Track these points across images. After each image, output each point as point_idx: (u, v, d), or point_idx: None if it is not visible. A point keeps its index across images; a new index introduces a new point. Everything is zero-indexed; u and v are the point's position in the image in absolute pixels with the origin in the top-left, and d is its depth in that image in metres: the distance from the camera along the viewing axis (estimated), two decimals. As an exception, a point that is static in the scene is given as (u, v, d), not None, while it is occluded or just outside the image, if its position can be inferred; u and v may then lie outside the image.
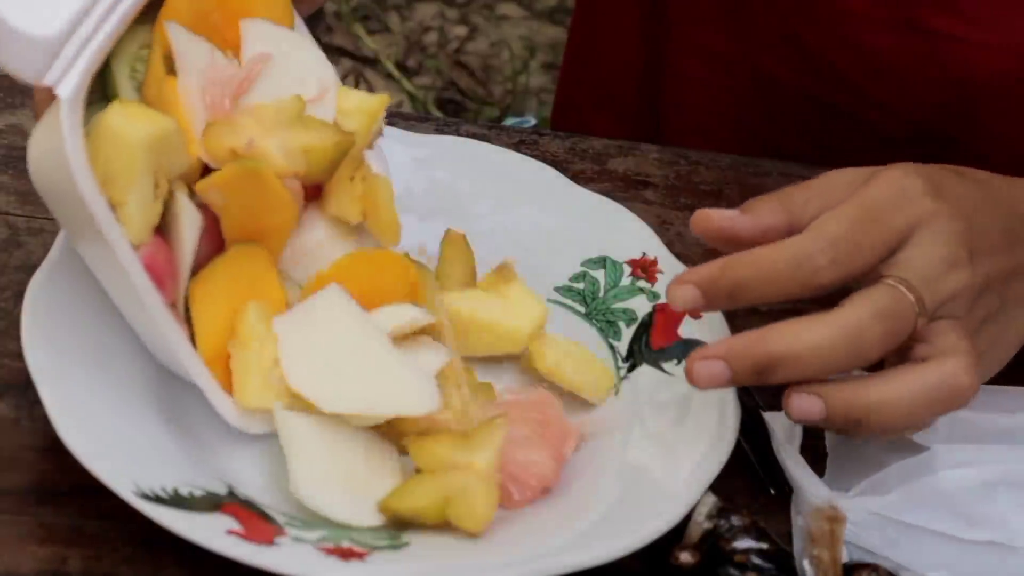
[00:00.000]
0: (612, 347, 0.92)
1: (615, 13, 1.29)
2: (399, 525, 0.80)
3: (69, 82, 0.76)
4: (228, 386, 0.82)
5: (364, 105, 0.87)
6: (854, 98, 1.17)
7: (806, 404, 0.80)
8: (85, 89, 0.77)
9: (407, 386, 0.81)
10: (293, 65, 0.85)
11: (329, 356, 0.82)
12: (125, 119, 0.78)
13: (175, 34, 0.81)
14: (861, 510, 0.84)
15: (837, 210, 0.83)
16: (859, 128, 0.95)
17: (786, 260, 0.82)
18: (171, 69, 0.82)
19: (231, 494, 0.79)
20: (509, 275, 0.91)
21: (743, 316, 1.00)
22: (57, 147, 0.76)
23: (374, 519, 0.80)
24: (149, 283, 0.79)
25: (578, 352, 0.90)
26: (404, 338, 0.85)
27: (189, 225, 0.80)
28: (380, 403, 0.81)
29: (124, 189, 0.78)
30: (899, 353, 0.83)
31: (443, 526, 0.80)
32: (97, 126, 0.79)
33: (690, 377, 0.81)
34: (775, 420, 0.87)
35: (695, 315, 0.91)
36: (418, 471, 0.82)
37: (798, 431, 0.87)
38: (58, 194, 0.79)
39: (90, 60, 0.77)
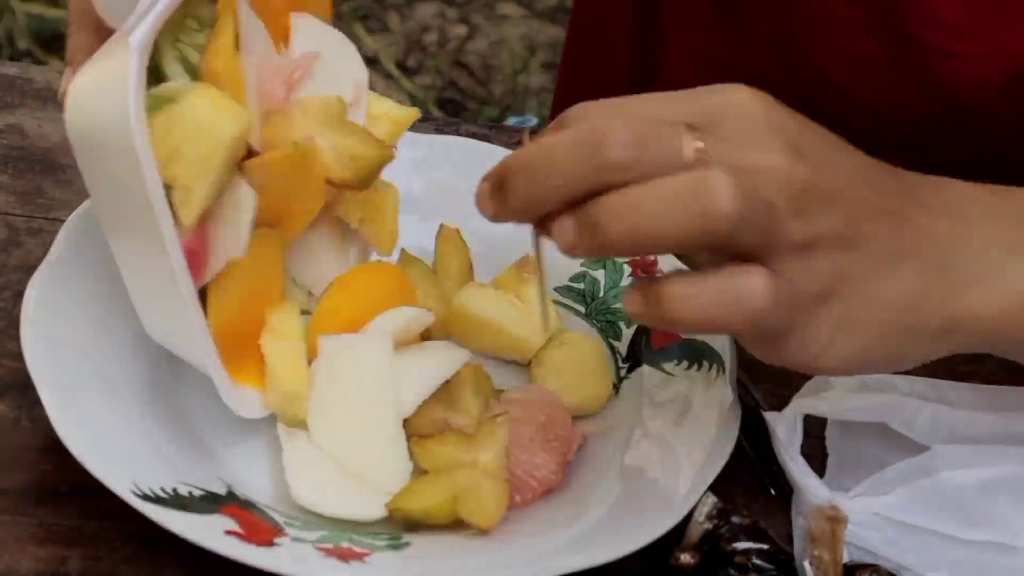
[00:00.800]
0: (612, 347, 0.92)
1: (609, 17, 1.30)
2: (408, 526, 0.80)
3: (140, 31, 0.73)
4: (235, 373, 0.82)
5: (393, 114, 0.87)
6: (846, 105, 1.17)
7: (560, 227, 0.68)
8: (152, 42, 0.74)
9: (384, 463, 0.82)
10: (334, 65, 0.85)
11: (347, 412, 0.83)
12: (213, 109, 0.76)
13: (244, 12, 0.80)
14: (861, 510, 0.84)
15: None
16: (850, 135, 0.94)
17: (572, 134, 0.68)
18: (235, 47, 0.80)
19: (231, 494, 0.79)
20: (527, 273, 0.90)
21: (743, 316, 1.00)
22: (118, 95, 0.73)
23: (378, 512, 0.80)
24: (185, 267, 0.77)
25: (580, 362, 0.89)
26: (417, 340, 0.85)
27: (246, 209, 0.79)
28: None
29: (196, 175, 0.76)
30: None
31: (452, 525, 0.80)
32: (170, 103, 0.76)
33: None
34: (776, 420, 0.87)
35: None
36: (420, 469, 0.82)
37: (799, 431, 0.87)
38: (102, 146, 0.75)
39: (160, 13, 0.74)
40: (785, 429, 0.86)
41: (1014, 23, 1.11)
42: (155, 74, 0.79)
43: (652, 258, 0.94)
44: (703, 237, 0.67)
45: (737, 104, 0.71)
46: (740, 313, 0.69)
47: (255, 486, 0.81)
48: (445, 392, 0.84)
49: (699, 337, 0.90)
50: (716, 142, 0.69)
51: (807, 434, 0.88)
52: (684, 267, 0.93)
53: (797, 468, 0.85)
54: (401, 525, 0.80)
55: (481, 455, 0.81)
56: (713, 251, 0.69)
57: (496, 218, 0.70)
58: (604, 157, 0.67)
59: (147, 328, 0.81)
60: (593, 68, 1.33)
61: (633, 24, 1.28)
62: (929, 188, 0.78)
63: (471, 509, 0.79)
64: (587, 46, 1.34)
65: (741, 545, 0.81)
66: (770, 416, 0.87)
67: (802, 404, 0.87)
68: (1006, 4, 1.10)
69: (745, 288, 0.68)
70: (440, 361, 0.85)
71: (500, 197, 0.69)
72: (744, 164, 0.68)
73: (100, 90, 0.74)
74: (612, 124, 0.67)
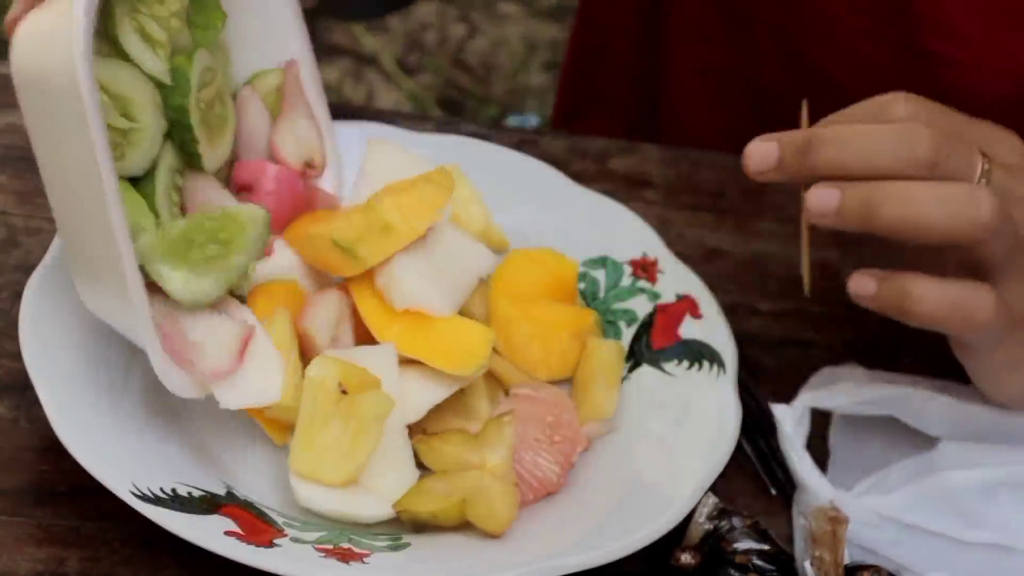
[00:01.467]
0: (612, 347, 0.92)
1: (613, 25, 1.30)
2: (416, 527, 0.80)
3: None
4: None
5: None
6: None
7: (823, 195, 0.78)
8: None
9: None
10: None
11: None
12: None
13: None
14: (863, 509, 0.84)
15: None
16: None
17: (889, 127, 0.79)
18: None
19: (230, 495, 0.79)
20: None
21: (745, 316, 1.00)
22: (65, 40, 0.72)
23: (382, 512, 0.80)
24: (127, 230, 0.75)
25: (608, 369, 0.89)
26: None
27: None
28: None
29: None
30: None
31: (461, 527, 0.80)
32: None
33: (745, 161, 0.80)
34: (783, 414, 0.87)
35: (696, 314, 0.91)
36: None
37: (806, 425, 0.87)
38: (48, 92, 0.73)
39: None
40: (792, 423, 0.86)
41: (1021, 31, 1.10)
42: (112, 44, 0.79)
43: (652, 257, 0.94)
44: (959, 238, 0.78)
45: (1011, 142, 0.85)
46: (967, 320, 0.79)
47: (254, 486, 0.81)
48: (460, 401, 0.84)
49: (699, 337, 0.90)
50: (1001, 170, 0.81)
51: (812, 431, 0.88)
52: (684, 267, 0.93)
53: (802, 465, 0.85)
54: (408, 526, 0.80)
55: (489, 456, 0.81)
56: (956, 256, 0.80)
57: (780, 173, 0.80)
58: (916, 152, 0.78)
59: (82, 296, 0.79)
60: (598, 75, 1.33)
61: (637, 33, 1.28)
62: None
63: (481, 513, 0.79)
64: (592, 54, 1.34)
65: (741, 545, 0.81)
66: (778, 410, 0.87)
67: (810, 398, 0.87)
68: (1019, 15, 1.10)
69: (977, 300, 0.79)
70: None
71: (802, 155, 0.79)
72: (1017, 192, 0.81)
73: (48, 35, 0.73)
74: (926, 129, 0.78)
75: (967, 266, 0.81)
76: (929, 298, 0.79)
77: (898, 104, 0.83)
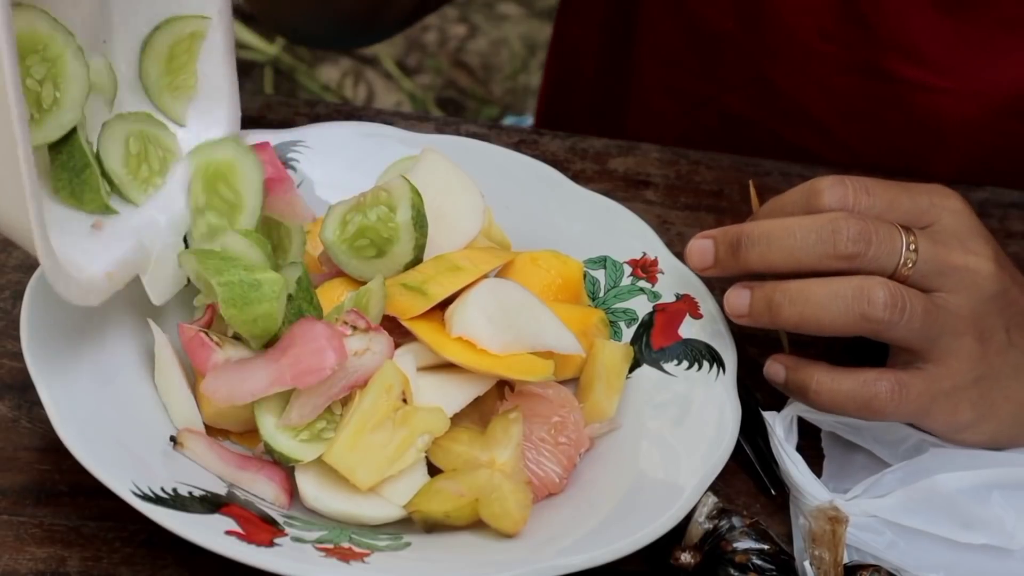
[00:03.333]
0: (612, 347, 0.92)
1: (583, 49, 1.30)
2: (428, 526, 0.80)
3: None
4: None
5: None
6: (821, 139, 1.18)
7: (735, 297, 0.85)
8: None
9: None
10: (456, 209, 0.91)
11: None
12: None
13: None
14: (858, 512, 0.84)
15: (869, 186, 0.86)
16: (826, 169, 0.98)
17: (812, 222, 0.83)
18: None
19: (231, 494, 0.79)
20: None
21: (743, 316, 1.00)
22: None
23: (388, 513, 0.80)
24: (23, 108, 0.72)
25: (615, 371, 0.90)
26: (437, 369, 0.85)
27: None
28: None
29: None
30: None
31: (471, 527, 0.80)
32: None
33: (687, 259, 0.87)
34: (775, 420, 0.87)
35: (696, 314, 0.91)
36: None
37: (795, 432, 0.87)
38: None
39: None
40: (783, 429, 0.86)
41: (997, 60, 1.11)
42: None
43: (652, 257, 0.94)
44: (857, 331, 0.83)
45: (952, 210, 0.86)
46: (866, 410, 0.84)
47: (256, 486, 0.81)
48: (480, 435, 0.84)
49: (699, 337, 0.90)
50: (929, 243, 0.84)
51: (804, 435, 0.88)
52: (685, 267, 0.93)
53: (796, 468, 0.85)
54: (419, 527, 0.80)
55: (497, 454, 0.81)
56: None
57: (719, 270, 0.86)
58: (836, 248, 0.82)
59: None
60: (568, 96, 1.34)
61: (606, 57, 1.28)
62: None
63: (494, 513, 0.79)
64: (562, 76, 1.35)
65: (741, 545, 0.81)
66: (769, 416, 0.87)
67: (798, 407, 0.88)
68: (989, 42, 1.10)
69: (870, 391, 0.83)
70: (467, 380, 0.85)
71: (734, 254, 0.84)
72: (955, 263, 0.84)
73: None
74: (847, 221, 0.83)
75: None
76: (825, 391, 0.84)
77: (825, 192, 0.85)
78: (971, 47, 1.12)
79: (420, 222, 0.87)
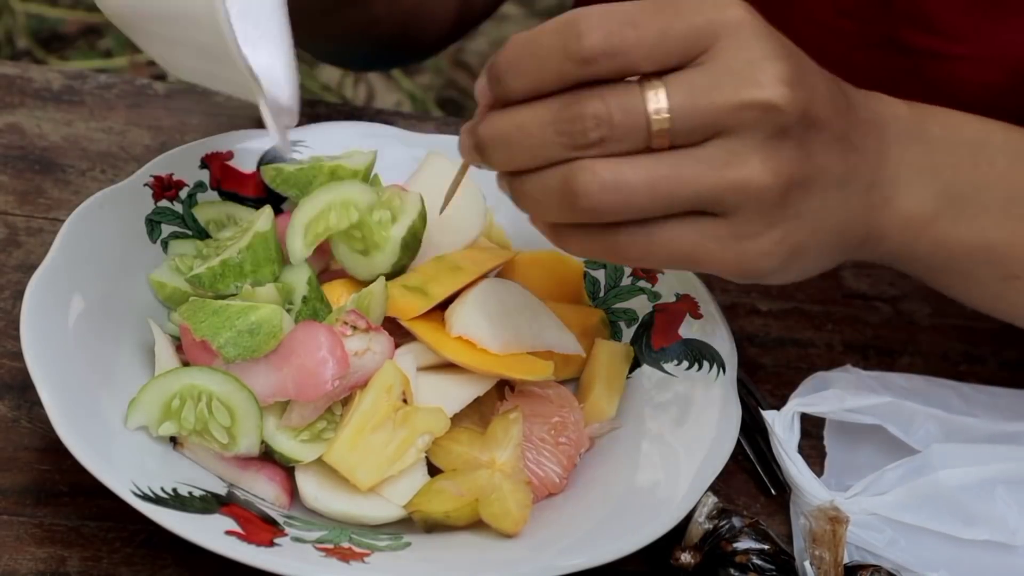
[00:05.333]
0: (612, 347, 0.92)
1: None
2: (428, 526, 0.80)
3: None
4: None
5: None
6: None
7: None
8: None
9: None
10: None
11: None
12: None
13: None
14: (860, 510, 0.84)
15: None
16: None
17: (547, 113, 0.72)
18: None
19: (231, 494, 0.79)
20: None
21: (744, 316, 1.00)
22: None
23: (389, 513, 0.80)
24: None
25: (616, 372, 0.90)
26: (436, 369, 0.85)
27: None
28: None
29: None
30: None
31: (471, 527, 0.80)
32: None
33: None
34: (774, 419, 0.87)
35: (696, 314, 0.91)
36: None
37: (796, 431, 0.87)
38: None
39: None
40: (783, 428, 0.86)
41: (1014, 23, 1.11)
42: None
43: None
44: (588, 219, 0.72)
45: (729, 28, 0.73)
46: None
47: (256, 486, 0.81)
48: (480, 435, 0.84)
49: (699, 337, 0.90)
50: (685, 92, 0.71)
51: (805, 434, 0.88)
52: (693, 275, 0.94)
53: (796, 468, 0.85)
54: (419, 527, 0.80)
55: (497, 454, 0.81)
56: None
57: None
58: (578, 140, 0.71)
59: (172, 66, 0.79)
60: None
61: None
62: (863, 105, 0.80)
63: (495, 513, 0.79)
64: None
65: (741, 545, 0.81)
66: (769, 415, 0.87)
67: (799, 403, 0.87)
68: (1005, 5, 1.10)
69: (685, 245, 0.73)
70: (467, 381, 0.85)
71: (485, 160, 0.75)
72: (724, 105, 0.71)
73: None
74: (586, 102, 0.71)
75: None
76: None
77: (585, 37, 0.72)
78: (985, 12, 1.11)
79: (410, 244, 0.87)
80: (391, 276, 0.87)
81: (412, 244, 0.87)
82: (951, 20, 1.11)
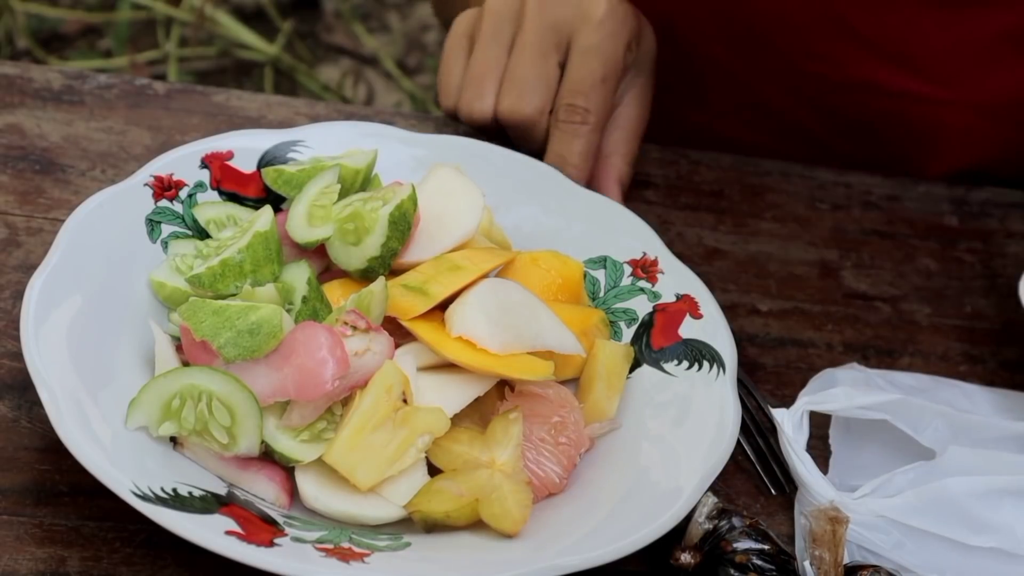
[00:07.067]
0: (612, 347, 0.92)
1: None
2: (428, 527, 0.80)
3: None
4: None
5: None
6: (820, 153, 1.17)
7: None
8: None
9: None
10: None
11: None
12: None
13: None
14: (867, 512, 0.84)
15: None
16: (825, 169, 0.99)
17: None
18: None
19: (231, 494, 0.79)
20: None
21: (745, 316, 1.00)
22: None
23: (389, 513, 0.80)
24: None
25: (617, 371, 0.90)
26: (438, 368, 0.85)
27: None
28: None
29: None
30: None
31: (473, 526, 0.80)
32: None
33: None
34: (784, 417, 0.87)
35: (696, 314, 0.91)
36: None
37: (805, 429, 0.87)
38: None
39: None
40: (792, 426, 0.86)
41: (1001, 69, 1.11)
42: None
43: (652, 257, 0.94)
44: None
45: None
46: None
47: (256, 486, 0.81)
48: (480, 435, 0.84)
49: (699, 337, 0.90)
50: None
51: (813, 433, 0.88)
52: (685, 267, 0.93)
53: (804, 466, 0.85)
54: (419, 527, 0.80)
55: (497, 454, 0.81)
56: None
57: None
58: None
59: None
60: None
61: None
62: None
63: (495, 513, 0.79)
64: None
65: (741, 545, 0.80)
66: (778, 413, 0.87)
67: (809, 401, 0.87)
68: (989, 52, 1.10)
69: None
70: (467, 381, 0.85)
71: None
72: None
73: None
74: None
75: None
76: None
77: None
78: (972, 58, 1.12)
79: (399, 224, 0.87)
80: (386, 268, 0.87)
81: (402, 224, 0.87)
82: (937, 64, 1.12)
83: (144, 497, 0.75)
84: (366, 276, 0.87)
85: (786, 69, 1.15)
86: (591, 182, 1.01)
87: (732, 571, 0.80)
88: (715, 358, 0.89)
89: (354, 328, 0.81)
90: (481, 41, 1.00)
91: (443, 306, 0.86)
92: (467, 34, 1.02)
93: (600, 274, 0.94)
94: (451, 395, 0.83)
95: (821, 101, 1.16)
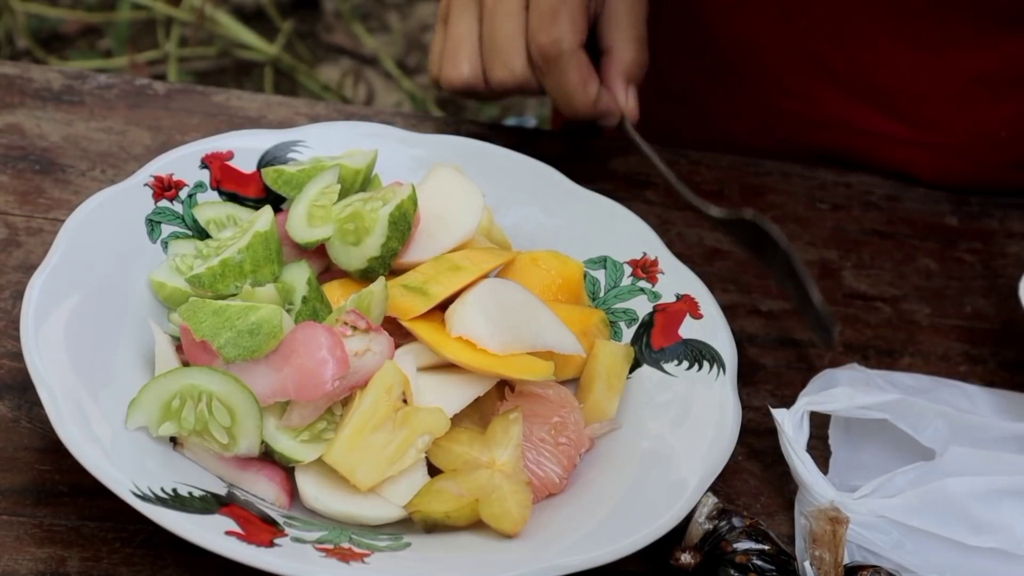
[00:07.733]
0: (612, 347, 0.92)
1: None
2: (428, 527, 0.80)
3: None
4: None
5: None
6: None
7: None
8: None
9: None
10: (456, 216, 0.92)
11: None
12: None
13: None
14: (867, 512, 0.84)
15: None
16: (826, 169, 0.99)
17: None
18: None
19: (231, 494, 0.79)
20: None
21: (745, 316, 1.00)
22: None
23: (389, 513, 0.80)
24: None
25: (617, 372, 0.90)
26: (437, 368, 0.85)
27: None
28: None
29: None
30: None
31: (473, 527, 0.80)
32: None
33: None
34: (784, 417, 0.87)
35: (696, 315, 0.91)
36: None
37: (806, 429, 0.87)
38: None
39: None
40: (792, 426, 0.86)
41: (971, 112, 1.11)
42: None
43: (652, 257, 0.94)
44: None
45: None
46: None
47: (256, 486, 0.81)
48: (480, 435, 0.84)
49: (700, 337, 0.90)
50: None
51: (814, 433, 0.88)
52: (684, 267, 0.93)
53: (804, 466, 0.85)
54: (419, 527, 0.80)
55: (497, 454, 0.81)
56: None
57: None
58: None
59: None
60: None
61: None
62: None
63: (495, 513, 0.79)
64: None
65: (741, 545, 0.81)
66: (778, 414, 0.87)
67: (809, 401, 0.87)
68: (963, 95, 1.11)
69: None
70: (467, 381, 0.85)
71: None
72: None
73: None
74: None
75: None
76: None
77: None
78: (946, 100, 1.12)
79: (400, 224, 0.87)
80: (386, 268, 0.87)
81: (402, 224, 0.87)
82: (912, 105, 1.12)
83: (144, 497, 0.75)
84: (366, 276, 0.87)
85: (761, 104, 1.15)
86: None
87: (732, 571, 0.80)
88: (715, 358, 0.89)
89: (354, 328, 0.82)
90: (453, 13, 1.00)
91: (443, 306, 0.86)
92: (445, 10, 1.03)
93: (600, 274, 0.95)
94: (451, 395, 0.83)
95: (796, 139, 1.16)
